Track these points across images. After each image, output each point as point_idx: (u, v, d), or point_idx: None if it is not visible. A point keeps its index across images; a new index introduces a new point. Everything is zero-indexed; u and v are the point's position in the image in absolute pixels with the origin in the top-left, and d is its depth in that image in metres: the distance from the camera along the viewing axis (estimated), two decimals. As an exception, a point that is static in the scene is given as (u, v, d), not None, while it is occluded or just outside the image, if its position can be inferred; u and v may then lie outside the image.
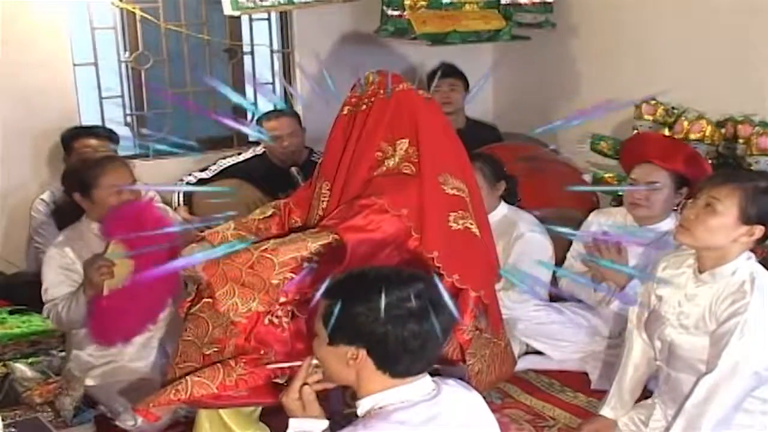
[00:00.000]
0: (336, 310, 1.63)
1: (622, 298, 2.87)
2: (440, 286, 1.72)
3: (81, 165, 2.89)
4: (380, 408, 1.64)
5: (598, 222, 3.12)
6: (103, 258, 2.67)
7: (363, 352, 1.64)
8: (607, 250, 2.93)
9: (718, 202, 2.12)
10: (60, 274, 2.79)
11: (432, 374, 1.73)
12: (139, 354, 2.82)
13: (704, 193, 2.16)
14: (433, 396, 1.68)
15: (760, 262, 2.21)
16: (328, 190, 2.39)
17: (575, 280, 3.04)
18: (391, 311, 1.60)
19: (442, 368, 2.42)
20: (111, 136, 3.62)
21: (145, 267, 2.39)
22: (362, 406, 1.68)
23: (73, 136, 3.59)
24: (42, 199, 3.66)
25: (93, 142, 3.55)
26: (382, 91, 2.39)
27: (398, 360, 1.64)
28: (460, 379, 1.84)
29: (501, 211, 3.19)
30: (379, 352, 1.63)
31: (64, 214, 2.93)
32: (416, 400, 1.65)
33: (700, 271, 2.22)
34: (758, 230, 2.13)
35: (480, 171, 3.02)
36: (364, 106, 2.40)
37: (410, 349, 1.62)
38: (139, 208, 2.75)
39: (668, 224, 2.94)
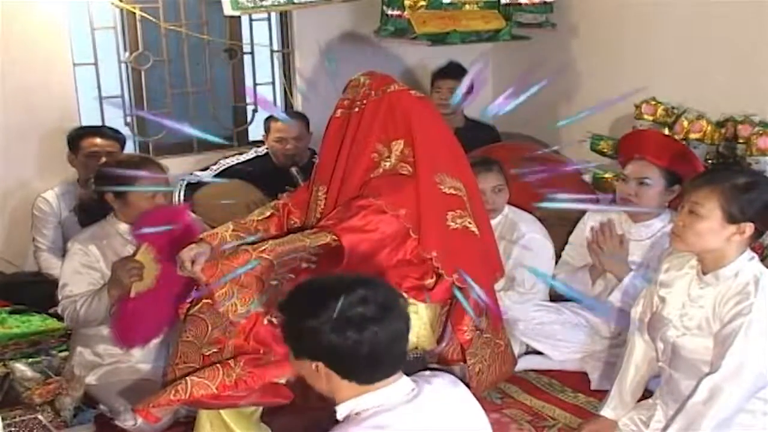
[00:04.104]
0: (289, 327, 1.63)
1: (622, 290, 2.86)
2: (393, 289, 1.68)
3: (118, 166, 2.81)
4: (357, 414, 1.61)
5: (593, 220, 3.11)
6: (134, 260, 2.67)
7: (321, 365, 1.60)
8: (610, 239, 2.95)
9: (700, 207, 2.12)
10: (81, 271, 2.78)
11: (425, 370, 1.71)
12: (147, 356, 2.82)
13: (686, 199, 2.16)
14: (413, 398, 1.63)
15: (761, 261, 2.21)
16: (324, 194, 2.39)
17: (570, 280, 3.07)
18: (334, 321, 1.55)
19: (442, 368, 2.42)
20: (117, 136, 3.63)
21: (171, 272, 2.39)
22: (340, 413, 1.65)
23: (79, 135, 3.59)
24: (44, 198, 3.66)
25: (99, 141, 3.56)
26: (374, 93, 2.38)
27: (356, 368, 1.59)
28: (461, 379, 1.82)
29: (502, 212, 3.19)
30: (336, 363, 1.59)
31: (88, 212, 2.92)
32: (394, 403, 1.61)
33: (704, 273, 2.22)
34: (748, 227, 2.12)
35: (502, 174, 3.12)
36: (357, 108, 2.39)
37: (363, 356, 1.56)
38: (174, 214, 2.75)
39: (662, 221, 2.95)
